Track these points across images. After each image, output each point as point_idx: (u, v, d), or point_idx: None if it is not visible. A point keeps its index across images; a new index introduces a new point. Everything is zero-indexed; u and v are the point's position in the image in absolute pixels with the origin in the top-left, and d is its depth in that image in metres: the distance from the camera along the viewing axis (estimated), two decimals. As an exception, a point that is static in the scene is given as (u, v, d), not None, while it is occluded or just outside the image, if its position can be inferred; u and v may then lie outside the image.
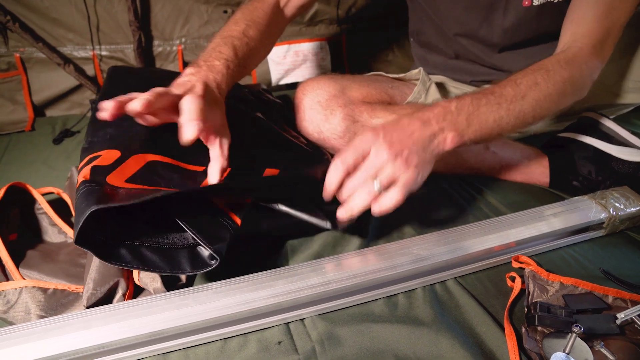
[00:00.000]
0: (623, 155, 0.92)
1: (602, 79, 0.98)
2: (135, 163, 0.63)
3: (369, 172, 0.62)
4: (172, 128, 0.71)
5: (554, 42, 1.03)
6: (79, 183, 0.58)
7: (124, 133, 0.68)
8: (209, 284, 0.59)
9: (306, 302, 0.59)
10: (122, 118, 0.70)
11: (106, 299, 0.60)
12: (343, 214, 0.63)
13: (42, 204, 0.80)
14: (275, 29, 0.93)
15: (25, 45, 1.24)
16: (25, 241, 0.74)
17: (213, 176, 0.63)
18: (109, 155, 0.63)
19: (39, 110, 1.30)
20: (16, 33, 1.20)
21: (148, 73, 0.92)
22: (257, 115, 0.84)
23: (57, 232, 0.77)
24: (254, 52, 0.82)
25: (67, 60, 1.26)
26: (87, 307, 0.59)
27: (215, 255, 0.58)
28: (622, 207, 0.78)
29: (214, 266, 0.59)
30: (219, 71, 0.70)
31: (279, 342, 0.57)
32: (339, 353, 0.55)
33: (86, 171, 0.60)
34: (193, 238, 0.59)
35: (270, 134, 0.79)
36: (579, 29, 0.82)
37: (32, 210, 0.80)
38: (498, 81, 0.75)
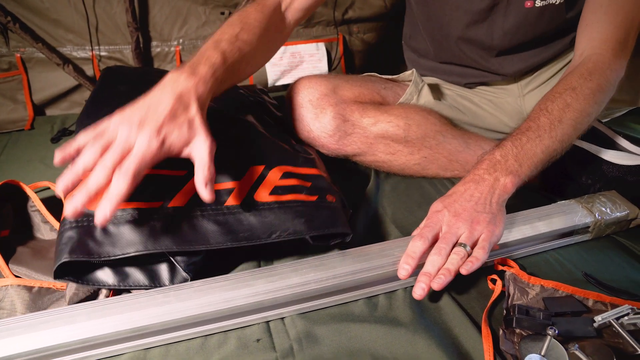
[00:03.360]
0: (613, 159, 0.92)
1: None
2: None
3: (451, 241, 0.64)
4: None
5: (549, 45, 1.03)
6: (62, 217, 0.61)
7: None
8: (190, 282, 0.60)
9: (286, 302, 0.60)
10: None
11: (90, 299, 0.62)
12: (428, 288, 0.61)
13: (35, 202, 0.81)
14: (275, 33, 0.87)
15: (25, 46, 1.26)
16: (17, 238, 0.75)
17: (199, 185, 0.59)
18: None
19: (39, 110, 1.32)
20: (16, 34, 1.22)
21: (142, 75, 0.93)
22: (240, 116, 0.84)
23: (49, 229, 0.79)
24: (247, 57, 0.78)
25: (66, 61, 1.28)
26: (70, 306, 0.60)
27: (188, 273, 0.62)
28: (608, 211, 0.79)
29: (189, 279, 0.62)
30: (201, 78, 0.64)
31: (258, 340, 0.58)
32: (316, 352, 0.56)
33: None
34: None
35: (254, 134, 0.80)
36: (595, 35, 0.83)
37: (25, 207, 0.81)
38: (528, 117, 0.77)
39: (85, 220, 0.60)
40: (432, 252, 0.63)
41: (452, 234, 0.65)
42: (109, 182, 0.54)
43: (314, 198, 0.72)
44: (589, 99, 0.77)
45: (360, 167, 0.97)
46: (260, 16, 0.82)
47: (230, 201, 0.67)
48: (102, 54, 1.32)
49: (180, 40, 1.36)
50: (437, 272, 0.62)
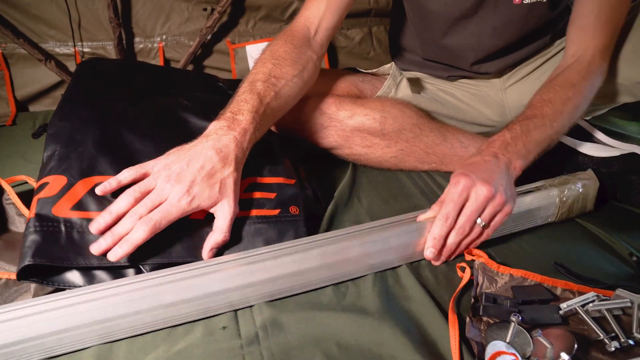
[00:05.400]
0: (588, 151, 0.93)
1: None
2: (83, 188, 0.64)
3: (473, 218, 0.67)
4: (122, 140, 0.73)
5: (531, 45, 1.04)
6: (28, 218, 0.61)
7: (73, 152, 0.69)
8: (158, 271, 0.60)
9: (254, 289, 0.60)
10: (71, 133, 0.72)
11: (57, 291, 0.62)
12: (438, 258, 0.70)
13: (11, 194, 0.81)
14: (307, 61, 0.84)
15: (7, 42, 1.26)
16: (-9, 230, 0.75)
17: (207, 246, 0.64)
18: (55, 183, 0.64)
19: (22, 106, 1.32)
20: (-2, 29, 1.22)
21: (119, 69, 0.93)
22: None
23: (24, 222, 0.79)
24: (284, 92, 0.77)
25: (48, 57, 1.28)
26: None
27: None
28: (574, 189, 0.79)
29: None
30: (242, 128, 0.67)
31: (224, 328, 0.58)
32: (281, 339, 0.56)
33: (33, 205, 0.62)
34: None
35: None
36: (587, 39, 0.87)
37: (0, 200, 0.81)
38: (529, 105, 0.81)
39: (50, 224, 0.60)
40: (454, 230, 0.67)
41: (477, 210, 0.67)
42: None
43: (277, 212, 0.71)
44: (584, 96, 0.83)
45: (337, 160, 0.98)
46: (290, 48, 0.82)
47: (195, 215, 0.67)
48: (85, 50, 1.32)
49: (164, 37, 1.37)
50: (450, 245, 0.68)
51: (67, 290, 0.59)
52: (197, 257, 0.64)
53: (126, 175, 0.63)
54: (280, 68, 0.78)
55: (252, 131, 0.69)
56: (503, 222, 0.70)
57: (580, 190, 0.80)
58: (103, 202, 0.64)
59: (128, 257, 0.60)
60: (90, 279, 0.61)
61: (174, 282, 0.57)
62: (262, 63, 0.79)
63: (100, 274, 0.61)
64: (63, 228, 0.61)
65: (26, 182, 0.90)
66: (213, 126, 0.67)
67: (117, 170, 0.67)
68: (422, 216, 0.70)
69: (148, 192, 0.62)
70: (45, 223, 0.60)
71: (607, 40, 0.87)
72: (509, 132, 0.75)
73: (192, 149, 0.64)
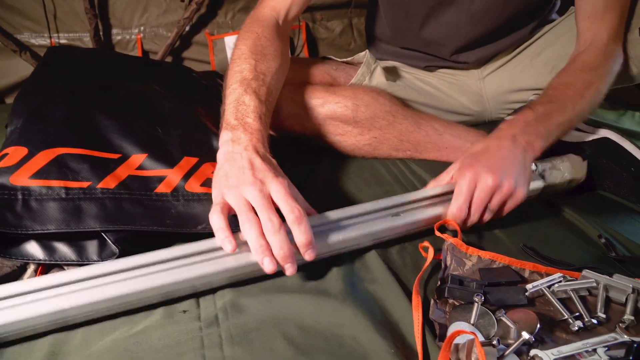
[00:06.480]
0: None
1: (557, 65, 1.00)
2: (43, 158, 0.64)
3: (480, 209, 0.69)
4: (89, 117, 0.72)
5: (510, 36, 1.04)
6: None
7: (36, 125, 0.68)
8: (120, 259, 0.58)
9: (217, 275, 0.59)
10: (36, 108, 0.71)
11: (16, 274, 0.61)
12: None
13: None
14: (282, 53, 0.84)
15: (-19, 33, 1.24)
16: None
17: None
18: (15, 154, 0.64)
19: (-3, 98, 1.30)
20: (-29, 20, 1.21)
21: (89, 56, 0.92)
22: (182, 103, 0.83)
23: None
24: (271, 87, 0.77)
25: (23, 48, 1.26)
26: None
27: (117, 246, 0.61)
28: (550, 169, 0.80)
29: (117, 255, 0.61)
30: (255, 130, 0.66)
31: (184, 311, 0.57)
32: (241, 321, 0.55)
33: None
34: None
35: (194, 124, 0.80)
36: (596, 25, 0.87)
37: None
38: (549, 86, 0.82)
39: (7, 193, 0.59)
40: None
41: (482, 201, 0.69)
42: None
43: None
44: (605, 81, 0.82)
45: (311, 148, 0.97)
46: (265, 42, 0.80)
47: (161, 188, 0.67)
48: (62, 41, 1.30)
49: (142, 28, 1.35)
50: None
51: (26, 280, 0.57)
52: (161, 226, 0.63)
53: (218, 222, 0.58)
54: (263, 63, 0.76)
55: (264, 132, 0.68)
56: (517, 206, 0.71)
57: (563, 172, 0.80)
58: (65, 171, 0.63)
59: (89, 225, 0.59)
60: (50, 252, 0.60)
61: (134, 276, 0.56)
62: (243, 59, 0.76)
63: (60, 246, 0.60)
64: (20, 196, 0.60)
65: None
66: (226, 139, 0.65)
67: (82, 143, 0.66)
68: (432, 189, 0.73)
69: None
70: (1, 192, 0.59)
71: (618, 23, 0.86)
72: (532, 111, 0.75)
73: (226, 166, 0.62)
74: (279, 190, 0.58)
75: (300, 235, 0.57)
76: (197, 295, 0.60)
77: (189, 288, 0.58)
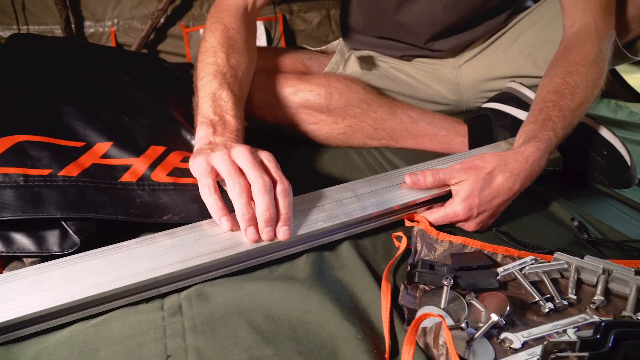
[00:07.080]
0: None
1: (532, 52, 0.99)
2: (1, 146, 0.61)
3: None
4: (52, 104, 0.70)
5: (484, 24, 1.04)
6: None
7: None
8: (82, 253, 0.57)
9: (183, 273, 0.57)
10: None
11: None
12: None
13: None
14: (252, 43, 0.83)
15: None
16: None
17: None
18: None
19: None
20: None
21: (52, 44, 0.89)
22: (151, 93, 0.81)
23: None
24: (243, 79, 0.76)
25: (-9, 41, 1.23)
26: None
27: (79, 236, 0.59)
28: None
29: (78, 245, 0.59)
30: (234, 129, 0.66)
31: (147, 301, 0.55)
32: (205, 310, 0.54)
33: None
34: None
35: (162, 114, 0.78)
36: (583, 5, 0.82)
37: None
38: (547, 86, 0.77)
39: None
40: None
41: (464, 221, 0.70)
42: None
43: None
44: (604, 72, 0.79)
45: (285, 138, 0.95)
46: (234, 33, 0.79)
47: (126, 177, 0.65)
48: (32, 34, 1.28)
49: (115, 21, 1.33)
50: None
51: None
52: (125, 215, 0.61)
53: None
54: (234, 57, 0.75)
55: (241, 126, 0.68)
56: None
57: None
58: (24, 158, 0.61)
59: (49, 212, 0.57)
60: (7, 244, 0.57)
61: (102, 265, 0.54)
62: (213, 53, 0.74)
63: (19, 237, 0.58)
64: None
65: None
66: (205, 139, 0.64)
67: (43, 131, 0.64)
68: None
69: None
70: None
71: (605, 4, 0.82)
72: (554, 134, 0.71)
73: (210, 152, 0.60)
74: (270, 159, 0.59)
75: (283, 207, 0.56)
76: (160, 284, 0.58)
77: (152, 284, 0.57)
